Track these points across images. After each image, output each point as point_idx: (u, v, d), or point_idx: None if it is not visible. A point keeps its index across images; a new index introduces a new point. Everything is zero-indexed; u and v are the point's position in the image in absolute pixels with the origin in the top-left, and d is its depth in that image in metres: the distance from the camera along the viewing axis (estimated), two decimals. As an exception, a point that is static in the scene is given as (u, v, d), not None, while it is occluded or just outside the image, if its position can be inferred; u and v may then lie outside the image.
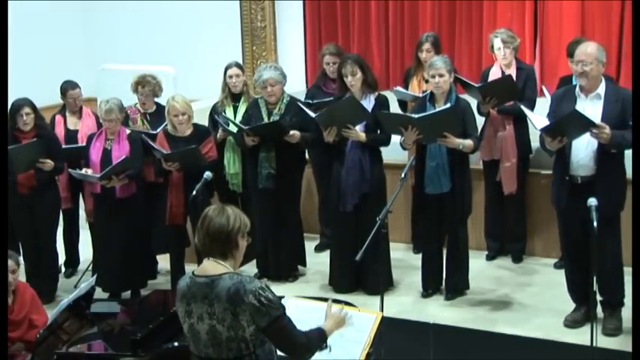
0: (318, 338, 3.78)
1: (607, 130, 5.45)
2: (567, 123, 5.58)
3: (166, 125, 6.87)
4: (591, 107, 5.61)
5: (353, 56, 6.74)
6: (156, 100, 7.32)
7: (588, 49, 5.61)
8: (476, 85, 6.82)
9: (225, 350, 3.60)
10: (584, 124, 5.49)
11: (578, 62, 5.61)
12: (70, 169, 6.95)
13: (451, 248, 6.52)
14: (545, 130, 5.66)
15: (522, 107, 6.24)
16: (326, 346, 3.87)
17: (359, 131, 6.45)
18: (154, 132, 6.99)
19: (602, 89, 5.66)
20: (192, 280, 3.67)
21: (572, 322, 5.95)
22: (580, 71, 5.60)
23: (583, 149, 5.64)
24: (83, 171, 6.71)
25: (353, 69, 6.46)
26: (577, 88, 5.72)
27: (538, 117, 5.91)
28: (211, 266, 3.65)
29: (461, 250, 6.48)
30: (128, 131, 6.83)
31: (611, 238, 5.70)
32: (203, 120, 7.30)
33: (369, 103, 6.51)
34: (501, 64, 7.03)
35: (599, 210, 5.34)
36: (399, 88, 7.33)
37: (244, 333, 3.57)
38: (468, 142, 6.22)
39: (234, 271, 3.64)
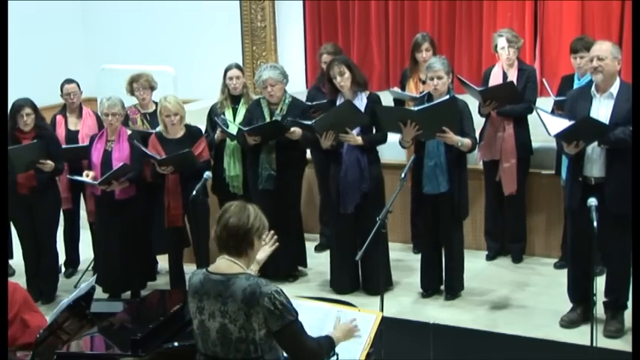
0: (329, 346, 3.76)
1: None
2: (580, 128, 5.53)
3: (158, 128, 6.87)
4: (605, 107, 5.58)
5: (339, 57, 6.70)
6: (155, 99, 7.32)
7: (604, 45, 5.60)
8: (477, 88, 6.82)
9: (234, 351, 3.60)
10: (598, 128, 5.45)
11: (592, 58, 5.56)
12: (68, 176, 6.96)
13: (447, 249, 6.52)
14: (559, 137, 5.63)
15: (538, 112, 6.19)
16: (334, 354, 3.85)
17: (355, 135, 6.45)
18: (153, 131, 7.00)
19: (615, 88, 5.58)
20: (205, 277, 3.67)
21: (568, 323, 5.94)
22: (595, 66, 5.53)
23: (597, 150, 5.58)
24: (84, 175, 6.72)
25: (340, 69, 6.44)
26: (593, 87, 5.64)
27: (553, 121, 5.83)
28: (226, 265, 3.65)
29: (456, 250, 6.48)
30: (129, 132, 6.83)
31: (621, 238, 5.64)
32: (203, 120, 7.29)
33: (361, 102, 6.49)
34: (504, 65, 7.01)
35: (606, 210, 5.33)
36: (396, 89, 7.32)
37: (254, 335, 3.57)
38: (467, 141, 6.23)
39: (250, 273, 3.65)
